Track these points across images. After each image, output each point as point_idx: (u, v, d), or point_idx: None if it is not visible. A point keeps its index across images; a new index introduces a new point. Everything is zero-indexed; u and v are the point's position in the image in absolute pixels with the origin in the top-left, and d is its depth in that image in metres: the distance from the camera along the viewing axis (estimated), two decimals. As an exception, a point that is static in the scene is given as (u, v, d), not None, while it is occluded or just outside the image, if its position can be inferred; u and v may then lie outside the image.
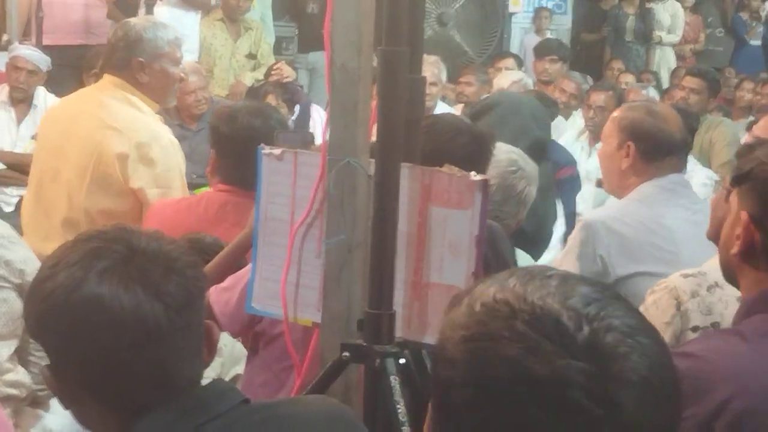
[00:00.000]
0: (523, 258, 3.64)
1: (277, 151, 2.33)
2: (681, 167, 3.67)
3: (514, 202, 3.58)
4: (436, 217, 2.17)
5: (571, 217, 5.09)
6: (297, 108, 7.05)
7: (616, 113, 3.84)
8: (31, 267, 2.94)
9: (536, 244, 4.52)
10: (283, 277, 2.28)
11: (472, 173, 2.14)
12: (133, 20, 4.27)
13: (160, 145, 4.01)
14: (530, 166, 3.67)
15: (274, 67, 7.53)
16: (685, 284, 2.75)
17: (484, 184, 2.11)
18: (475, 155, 2.99)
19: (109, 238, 1.61)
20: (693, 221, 3.56)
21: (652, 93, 7.23)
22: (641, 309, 2.75)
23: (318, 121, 7.10)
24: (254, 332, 2.93)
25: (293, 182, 2.30)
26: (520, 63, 8.83)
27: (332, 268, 2.21)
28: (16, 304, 2.93)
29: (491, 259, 2.45)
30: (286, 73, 7.44)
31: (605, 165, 3.77)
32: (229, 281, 2.84)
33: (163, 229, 3.29)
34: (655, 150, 3.62)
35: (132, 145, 3.94)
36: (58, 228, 4.02)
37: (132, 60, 4.03)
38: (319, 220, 2.25)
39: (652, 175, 3.61)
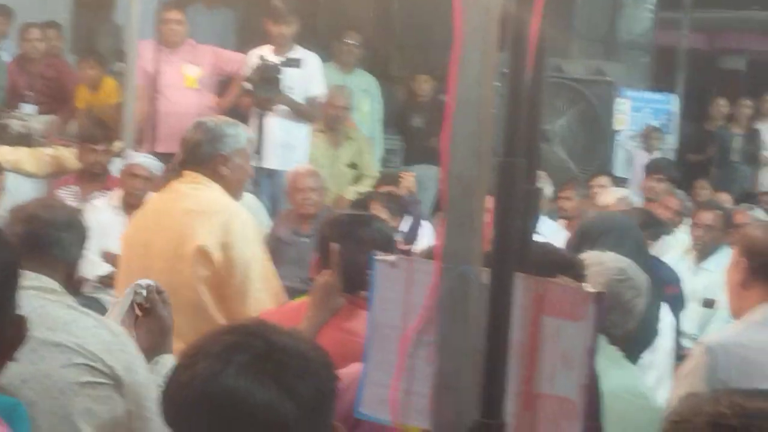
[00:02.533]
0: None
1: (391, 258, 2.36)
2: None
3: (620, 311, 3.55)
4: (548, 327, 2.17)
5: (675, 336, 5.03)
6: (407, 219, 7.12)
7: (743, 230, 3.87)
8: (132, 376, 2.99)
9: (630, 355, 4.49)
10: (393, 383, 2.29)
11: (586, 284, 2.14)
12: (210, 118, 4.50)
13: (240, 220, 4.20)
14: (640, 277, 3.65)
15: (402, 175, 7.60)
16: None
17: (599, 296, 2.11)
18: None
19: (249, 332, 1.65)
20: None
21: (760, 214, 7.15)
22: None
23: (426, 233, 7.16)
24: None
25: (406, 289, 2.32)
26: (618, 181, 8.83)
27: (443, 376, 2.22)
28: (120, 401, 2.97)
29: None
30: (410, 184, 7.51)
31: (727, 281, 3.79)
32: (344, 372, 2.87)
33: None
34: (765, 266, 3.61)
35: (215, 223, 4.11)
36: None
37: (215, 154, 4.22)
38: (431, 327, 2.26)
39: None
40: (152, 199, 4.69)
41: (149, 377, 3.06)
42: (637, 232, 4.96)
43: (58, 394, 2.89)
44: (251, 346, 1.61)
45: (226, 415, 1.57)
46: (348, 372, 2.90)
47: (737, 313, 3.76)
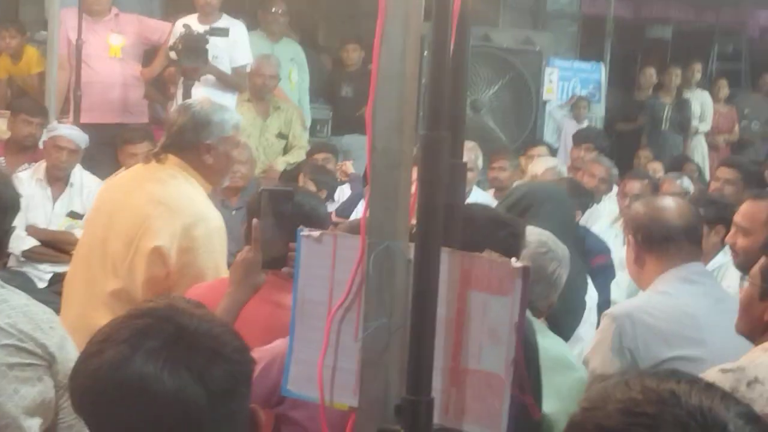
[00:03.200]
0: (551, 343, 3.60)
1: (316, 233, 2.33)
2: (693, 255, 3.75)
3: (544, 284, 3.59)
4: (475, 302, 2.15)
5: (605, 305, 5.06)
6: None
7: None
8: (64, 354, 2.94)
9: (563, 329, 4.51)
10: (320, 360, 2.26)
11: (513, 259, 2.13)
12: (197, 102, 4.32)
13: (207, 227, 4.06)
14: (561, 248, 3.69)
15: (342, 167, 7.57)
16: (723, 380, 2.72)
17: (525, 270, 2.09)
18: (513, 248, 3.01)
19: (160, 316, 1.60)
20: (717, 310, 3.60)
21: (687, 183, 7.21)
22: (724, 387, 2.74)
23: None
24: (275, 414, 2.92)
25: (332, 265, 2.29)
26: (552, 151, 8.86)
27: (370, 352, 2.19)
28: (50, 383, 2.92)
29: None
30: (347, 169, 7.47)
31: (627, 264, 3.93)
32: (254, 354, 2.83)
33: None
34: (649, 239, 3.73)
35: (179, 225, 3.99)
36: (106, 298, 4.05)
37: (199, 142, 4.12)
38: (357, 303, 2.24)
39: (665, 265, 3.70)
40: (131, 171, 4.49)
41: (77, 355, 3.01)
42: (566, 203, 4.99)
43: None
44: (161, 331, 1.57)
45: (136, 401, 1.54)
46: (272, 347, 2.88)
47: (639, 284, 3.88)
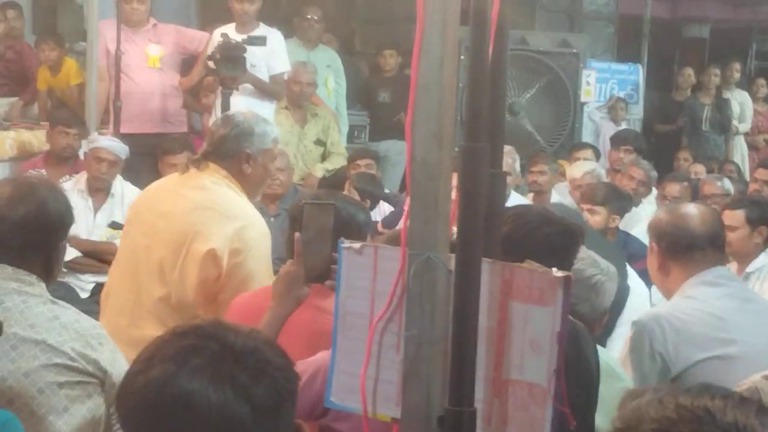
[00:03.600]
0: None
1: (357, 245, 2.33)
2: (717, 260, 3.76)
3: (581, 286, 3.54)
4: (516, 312, 2.15)
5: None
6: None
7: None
8: (117, 368, 2.96)
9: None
10: (362, 371, 2.26)
11: (554, 269, 2.12)
12: (240, 113, 4.40)
13: (257, 230, 4.15)
14: (604, 262, 3.66)
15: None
16: (767, 386, 2.71)
17: (567, 280, 2.08)
18: (560, 248, 3.00)
19: (205, 334, 1.62)
20: (746, 310, 3.62)
21: (727, 184, 7.16)
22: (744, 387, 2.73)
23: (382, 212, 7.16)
24: (319, 426, 2.93)
25: (373, 276, 2.29)
26: (597, 154, 8.83)
27: (411, 363, 2.19)
28: (100, 399, 2.94)
29: (572, 358, 2.41)
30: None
31: (650, 272, 4.01)
32: (298, 366, 2.84)
33: (243, 317, 3.35)
34: (674, 247, 3.73)
35: (230, 228, 4.06)
36: (152, 306, 4.09)
37: (241, 151, 4.18)
38: (398, 314, 2.24)
39: (689, 272, 3.71)
40: (169, 178, 4.58)
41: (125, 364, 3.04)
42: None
43: (36, 393, 2.86)
44: (206, 348, 1.58)
45: (181, 418, 1.55)
46: (315, 360, 2.89)
47: (664, 292, 3.89)
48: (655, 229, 3.90)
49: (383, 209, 7.46)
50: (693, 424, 1.27)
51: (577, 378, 2.49)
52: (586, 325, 3.40)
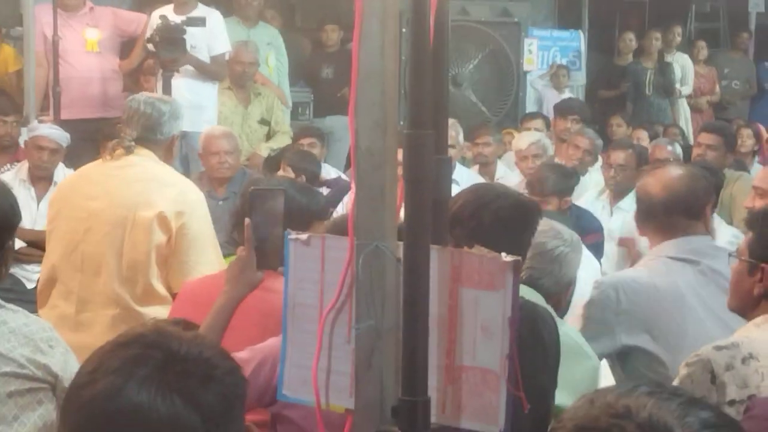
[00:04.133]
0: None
1: (303, 236, 2.31)
2: (689, 228, 3.70)
3: (544, 259, 3.53)
4: (467, 298, 2.14)
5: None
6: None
7: None
8: (69, 371, 2.91)
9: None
10: (314, 363, 2.25)
11: (503, 254, 2.11)
12: (160, 98, 4.50)
13: (197, 194, 4.42)
14: (568, 232, 3.65)
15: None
16: (719, 356, 2.72)
17: (516, 264, 2.08)
18: (513, 222, 3.01)
19: (149, 342, 1.58)
20: (701, 293, 3.58)
21: (678, 149, 7.19)
22: (674, 383, 2.73)
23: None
24: (270, 413, 2.92)
25: (321, 267, 2.27)
26: (548, 123, 8.84)
27: (363, 353, 2.18)
28: (51, 405, 2.90)
29: (528, 340, 2.41)
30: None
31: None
32: (246, 353, 2.84)
33: (192, 305, 3.34)
34: (639, 213, 3.74)
35: (173, 192, 4.25)
36: (101, 287, 4.10)
37: (171, 135, 4.46)
38: (348, 305, 2.22)
39: (658, 238, 3.70)
40: (91, 166, 4.65)
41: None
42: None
43: None
44: (151, 358, 1.55)
45: (131, 431, 1.52)
46: (263, 347, 2.87)
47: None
48: (637, 191, 3.90)
49: (328, 171, 7.42)
50: (611, 419, 1.28)
51: (534, 360, 2.48)
52: (550, 298, 3.40)
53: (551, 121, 8.81)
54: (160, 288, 4.19)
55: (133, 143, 4.29)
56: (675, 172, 3.88)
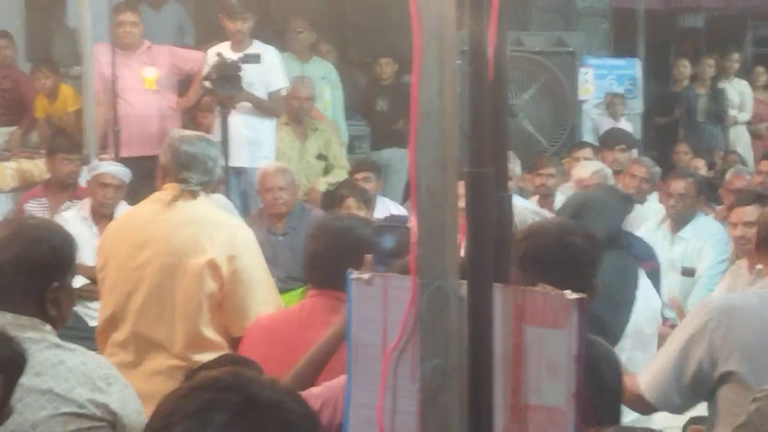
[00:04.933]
0: None
1: (366, 275, 2.31)
2: None
3: None
4: (531, 337, 2.13)
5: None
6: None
7: None
8: (128, 408, 2.93)
9: (610, 331, 4.45)
10: (378, 403, 2.25)
11: (567, 291, 2.10)
12: (208, 138, 4.55)
13: (245, 234, 4.28)
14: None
15: None
16: None
17: (580, 302, 2.06)
18: (584, 255, 3.00)
19: (224, 386, 1.58)
20: None
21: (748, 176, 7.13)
22: (742, 419, 2.67)
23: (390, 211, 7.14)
24: None
25: (383, 307, 2.27)
26: (597, 151, 8.79)
27: (428, 393, 2.17)
28: None
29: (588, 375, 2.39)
30: None
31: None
32: (321, 390, 2.85)
33: (265, 343, 3.38)
34: (761, 239, 3.63)
35: (220, 236, 4.13)
36: (155, 337, 4.11)
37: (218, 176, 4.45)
38: (411, 344, 2.22)
39: None
40: (135, 210, 4.60)
41: (140, 407, 3.00)
42: (615, 212, 4.94)
43: None
44: (229, 403, 1.54)
45: None
46: (322, 391, 2.87)
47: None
48: (759, 219, 3.83)
49: (385, 204, 7.44)
50: None
51: (593, 397, 2.46)
52: None
53: (599, 154, 8.77)
54: (212, 335, 4.13)
55: (199, 188, 4.24)
56: None
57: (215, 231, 4.14)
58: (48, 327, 2.94)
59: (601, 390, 2.62)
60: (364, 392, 2.30)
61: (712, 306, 3.47)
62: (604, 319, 4.23)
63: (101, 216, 6.80)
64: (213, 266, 4.08)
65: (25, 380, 2.79)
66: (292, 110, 8.42)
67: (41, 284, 2.95)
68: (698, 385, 3.40)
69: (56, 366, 2.87)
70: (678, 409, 3.56)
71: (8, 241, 2.98)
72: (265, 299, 4.15)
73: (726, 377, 3.36)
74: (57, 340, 2.94)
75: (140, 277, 4.16)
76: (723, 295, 3.97)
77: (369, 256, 3.01)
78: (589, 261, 3.06)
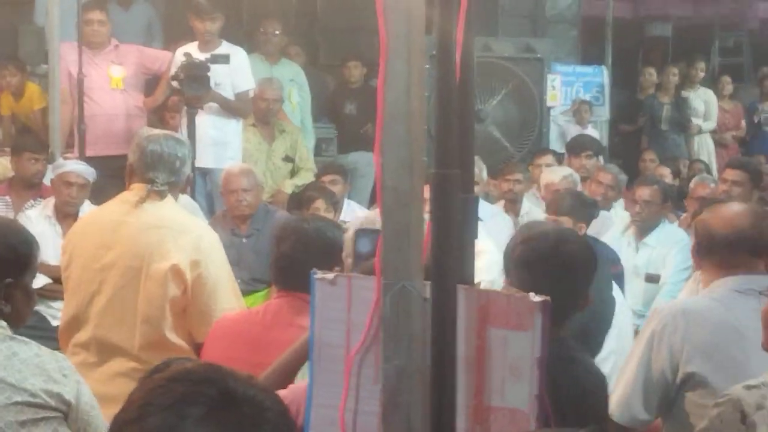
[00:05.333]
0: None
1: (330, 275, 2.31)
2: (753, 266, 3.60)
3: None
4: (495, 338, 2.13)
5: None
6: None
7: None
8: (82, 399, 2.93)
9: (593, 338, 4.46)
10: (341, 404, 2.24)
11: (531, 294, 2.10)
12: (178, 137, 4.47)
13: (210, 239, 4.23)
14: None
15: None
16: (749, 396, 2.69)
17: (545, 305, 2.07)
18: (582, 263, 2.99)
19: (200, 379, 1.56)
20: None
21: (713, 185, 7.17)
22: (704, 423, 2.69)
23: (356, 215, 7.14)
24: None
25: (347, 307, 2.27)
26: (559, 159, 8.83)
27: (390, 393, 2.17)
28: None
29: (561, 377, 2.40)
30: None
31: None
32: (285, 392, 2.84)
33: (229, 342, 3.37)
34: (701, 246, 3.65)
35: (185, 241, 4.09)
36: (118, 340, 4.08)
37: (187, 175, 4.34)
38: (375, 344, 2.22)
39: (718, 273, 3.59)
40: (101, 210, 4.55)
41: (93, 399, 3.00)
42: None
43: None
44: (205, 396, 1.53)
45: None
46: (286, 393, 2.86)
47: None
48: (696, 226, 3.81)
49: (352, 207, 7.44)
50: None
51: (569, 399, 2.47)
52: None
53: (566, 160, 8.79)
54: (175, 338, 4.11)
55: (166, 188, 4.20)
56: (738, 208, 3.79)
57: (180, 235, 4.11)
58: (2, 322, 2.95)
59: (574, 390, 2.61)
60: (326, 392, 2.29)
61: (665, 312, 3.50)
62: (589, 327, 4.24)
63: (65, 215, 6.76)
64: (176, 272, 4.04)
65: None
66: (259, 111, 8.40)
67: (6, 275, 2.94)
68: (664, 395, 3.41)
69: (9, 358, 2.89)
70: (643, 427, 3.56)
71: None
72: (229, 304, 4.13)
73: (688, 380, 3.38)
74: (10, 333, 2.95)
75: (104, 279, 4.13)
76: (672, 301, 4.00)
77: (349, 260, 2.99)
78: (584, 271, 3.04)
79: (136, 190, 4.20)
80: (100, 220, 4.36)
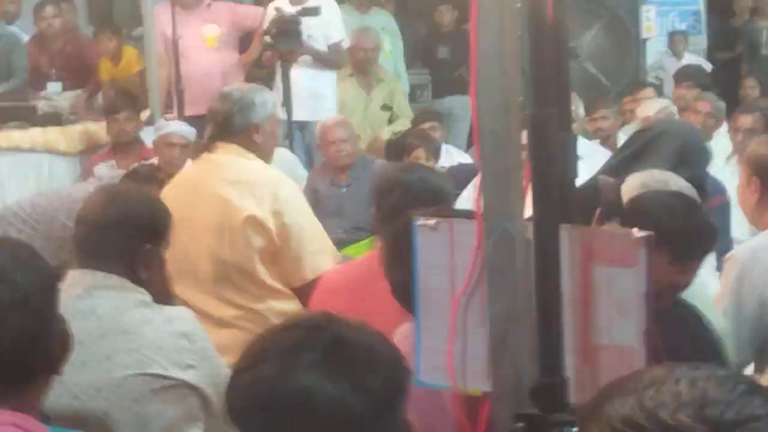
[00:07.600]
0: None
1: (431, 221, 2.31)
2: None
3: None
4: (599, 276, 2.12)
5: (726, 245, 4.94)
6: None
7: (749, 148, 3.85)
8: (209, 364, 3.01)
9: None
10: (449, 347, 2.25)
11: (635, 230, 2.08)
12: (235, 88, 4.53)
13: (289, 188, 4.32)
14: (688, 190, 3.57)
15: None
16: None
17: (648, 240, 2.05)
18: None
19: (314, 326, 1.60)
20: None
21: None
22: None
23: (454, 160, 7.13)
24: None
25: (450, 252, 2.27)
26: (659, 92, 8.68)
27: (497, 337, 2.18)
28: (193, 399, 2.95)
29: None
30: None
31: (740, 199, 3.76)
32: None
33: (336, 295, 3.40)
34: None
35: (262, 193, 4.16)
36: (214, 293, 4.14)
37: (249, 124, 4.29)
38: (480, 288, 2.22)
39: None
40: (185, 171, 4.66)
41: (221, 361, 3.03)
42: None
43: (131, 403, 2.86)
44: (318, 341, 1.57)
45: (299, 414, 1.54)
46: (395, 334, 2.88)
47: (760, 227, 3.73)
48: (756, 164, 3.68)
49: (450, 153, 7.42)
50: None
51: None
52: None
53: (672, 90, 8.64)
54: (275, 284, 4.20)
55: (207, 141, 4.29)
56: None
57: (257, 187, 4.18)
58: (138, 288, 2.99)
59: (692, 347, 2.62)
60: (433, 337, 2.30)
61: (736, 257, 3.50)
62: None
63: (169, 176, 6.85)
64: (256, 222, 4.11)
65: (112, 339, 2.85)
66: (357, 61, 8.40)
67: (134, 246, 2.99)
68: (755, 335, 3.40)
69: (142, 325, 2.92)
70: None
71: (107, 202, 3.06)
72: (320, 248, 4.20)
73: None
74: (146, 299, 2.98)
75: (191, 238, 4.19)
76: (743, 244, 3.95)
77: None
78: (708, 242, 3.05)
79: (218, 148, 4.30)
80: (180, 180, 4.49)
